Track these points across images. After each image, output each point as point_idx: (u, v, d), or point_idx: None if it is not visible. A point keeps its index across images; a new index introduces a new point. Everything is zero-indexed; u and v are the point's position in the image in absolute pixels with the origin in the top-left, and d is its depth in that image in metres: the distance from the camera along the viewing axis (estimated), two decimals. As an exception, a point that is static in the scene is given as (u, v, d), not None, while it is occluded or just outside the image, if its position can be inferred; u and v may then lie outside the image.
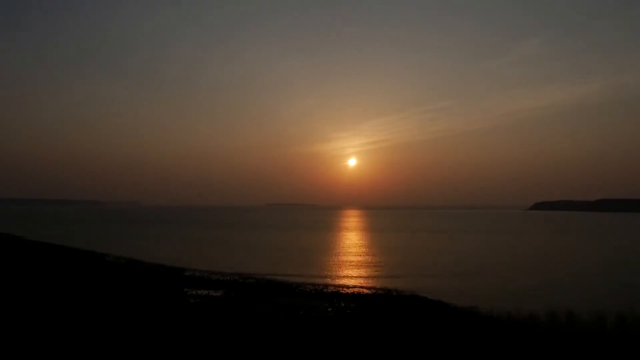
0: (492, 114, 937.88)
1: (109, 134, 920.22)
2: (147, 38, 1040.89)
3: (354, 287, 37.18)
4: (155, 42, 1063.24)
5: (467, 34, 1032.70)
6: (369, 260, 56.22)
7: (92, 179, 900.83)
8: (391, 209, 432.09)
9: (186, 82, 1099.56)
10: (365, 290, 35.32)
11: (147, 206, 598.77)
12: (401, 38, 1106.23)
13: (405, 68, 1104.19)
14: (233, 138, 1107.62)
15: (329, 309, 27.04)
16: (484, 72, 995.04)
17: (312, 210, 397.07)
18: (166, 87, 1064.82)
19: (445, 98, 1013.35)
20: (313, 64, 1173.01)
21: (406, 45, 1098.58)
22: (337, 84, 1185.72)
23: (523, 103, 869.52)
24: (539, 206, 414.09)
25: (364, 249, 69.84)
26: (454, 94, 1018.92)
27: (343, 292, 34.31)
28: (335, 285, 37.47)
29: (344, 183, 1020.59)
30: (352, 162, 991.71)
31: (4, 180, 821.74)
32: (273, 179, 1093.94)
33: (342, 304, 28.84)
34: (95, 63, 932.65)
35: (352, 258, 58.12)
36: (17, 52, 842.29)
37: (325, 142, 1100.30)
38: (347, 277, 43.12)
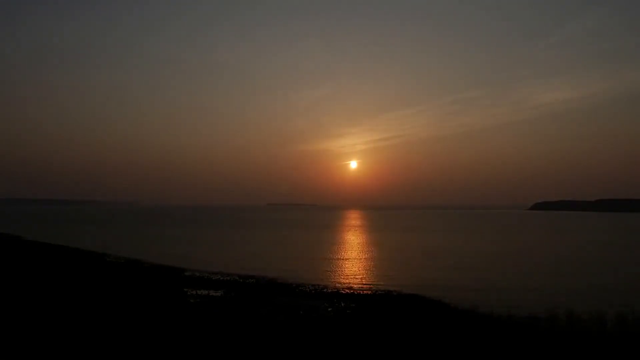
0: (524, 105, 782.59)
1: (109, 133, 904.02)
2: (142, 28, 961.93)
3: (354, 287, 37.18)
4: (154, 31, 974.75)
5: (503, 12, 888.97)
6: (369, 260, 56.24)
7: (92, 179, 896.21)
8: (393, 209, 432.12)
9: (188, 70, 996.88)
10: (365, 290, 35.32)
11: (146, 206, 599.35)
12: (424, 20, 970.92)
13: (428, 53, 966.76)
14: (236, 135, 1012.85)
15: (329, 309, 27.04)
16: (520, 57, 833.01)
17: (313, 211, 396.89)
18: (166, 82, 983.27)
19: (472, 87, 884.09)
20: (328, 48, 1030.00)
21: (430, 27, 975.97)
22: (353, 71, 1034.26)
23: (563, 93, 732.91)
24: (539, 206, 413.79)
25: (364, 249, 69.84)
26: (482, 83, 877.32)
27: (343, 292, 34.31)
28: (335, 285, 37.48)
29: (350, 182, 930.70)
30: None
31: (3, 181, 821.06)
32: (276, 178, 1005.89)
33: (342, 304, 28.84)
34: (94, 62, 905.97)
35: (352, 258, 58.12)
36: (15, 52, 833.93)
37: (334, 138, 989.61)
38: (347, 277, 43.12)
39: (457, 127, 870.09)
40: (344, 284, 38.89)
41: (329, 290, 34.64)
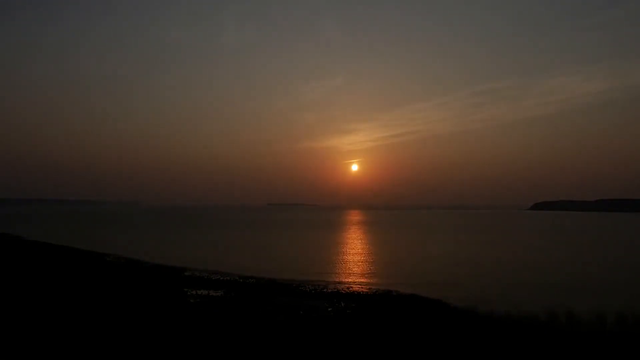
0: (557, 96, 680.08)
1: (108, 133, 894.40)
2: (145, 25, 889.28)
3: (354, 287, 37.18)
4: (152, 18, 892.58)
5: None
6: (369, 260, 56.22)
7: (92, 179, 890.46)
8: (394, 210, 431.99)
9: (191, 59, 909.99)
10: (365, 290, 35.33)
11: (146, 206, 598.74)
12: (446, 2, 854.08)
13: (450, 40, 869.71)
14: (239, 132, 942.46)
15: (329, 309, 27.05)
16: (557, 41, 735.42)
17: (314, 212, 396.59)
18: (168, 76, 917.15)
19: (499, 77, 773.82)
20: (344, 29, 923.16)
21: (451, 11, 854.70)
22: (370, 58, 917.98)
23: (601, 82, 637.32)
24: (539, 206, 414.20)
25: (364, 249, 69.82)
26: (513, 71, 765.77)
27: (343, 292, 34.32)
28: (335, 285, 37.48)
29: (356, 182, 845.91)
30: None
31: (4, 180, 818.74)
32: (278, 178, 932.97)
33: (342, 304, 28.86)
34: (92, 56, 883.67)
35: (352, 258, 58.10)
36: (10, 48, 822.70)
37: (343, 135, 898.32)
38: (347, 277, 43.11)
39: (476, 122, 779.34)
40: (344, 284, 38.88)
41: (329, 290, 34.64)
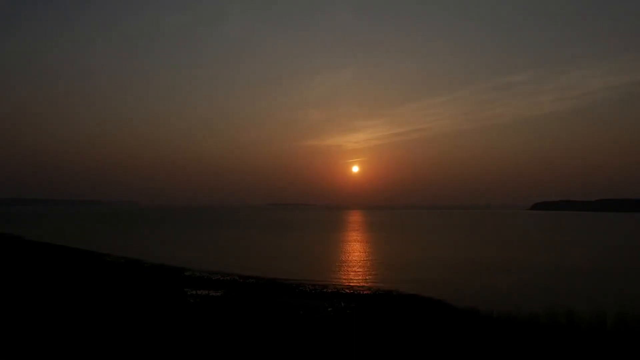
0: (576, 91, 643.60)
1: (108, 133, 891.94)
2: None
3: (354, 287, 37.16)
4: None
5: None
6: (370, 260, 56.19)
7: (91, 179, 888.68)
8: (395, 210, 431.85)
9: (193, 55, 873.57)
10: (365, 290, 35.31)
11: (146, 206, 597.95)
12: None
13: (467, 31, 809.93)
14: (240, 131, 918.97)
15: (329, 309, 27.03)
16: (576, 32, 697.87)
17: (316, 211, 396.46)
18: (165, 74, 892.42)
19: (520, 69, 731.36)
20: (358, 18, 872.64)
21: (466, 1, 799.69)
22: (381, 49, 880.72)
23: (620, 77, 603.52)
24: (539, 206, 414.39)
25: (364, 249, 69.79)
26: (534, 63, 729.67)
27: (343, 292, 34.30)
28: (335, 285, 37.45)
29: (359, 182, 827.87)
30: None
31: (4, 180, 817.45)
32: (279, 177, 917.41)
33: (342, 304, 28.84)
34: (96, 59, 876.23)
35: (352, 258, 58.08)
36: (14, 50, 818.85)
37: (349, 133, 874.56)
38: (347, 277, 43.09)
39: (488, 118, 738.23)
40: (344, 284, 38.86)
41: (329, 290, 34.63)
